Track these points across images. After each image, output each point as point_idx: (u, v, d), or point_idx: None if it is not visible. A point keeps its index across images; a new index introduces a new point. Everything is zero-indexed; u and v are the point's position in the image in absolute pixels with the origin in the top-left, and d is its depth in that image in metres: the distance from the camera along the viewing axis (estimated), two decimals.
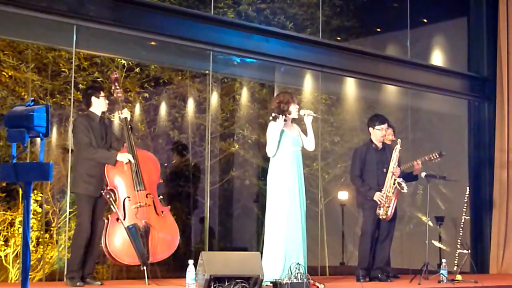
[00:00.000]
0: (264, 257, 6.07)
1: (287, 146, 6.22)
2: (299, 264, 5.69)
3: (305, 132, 6.41)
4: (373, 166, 6.87)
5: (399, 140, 6.82)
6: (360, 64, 9.06)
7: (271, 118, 6.18)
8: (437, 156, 7.07)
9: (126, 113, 6.12)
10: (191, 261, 5.44)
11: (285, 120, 6.18)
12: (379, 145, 6.94)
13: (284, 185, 6.16)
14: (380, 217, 6.75)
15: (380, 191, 6.76)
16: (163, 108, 9.12)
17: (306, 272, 6.02)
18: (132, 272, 7.22)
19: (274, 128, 6.18)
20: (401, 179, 6.76)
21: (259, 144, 9.21)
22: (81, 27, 6.92)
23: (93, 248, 5.94)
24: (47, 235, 7.81)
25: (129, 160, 5.97)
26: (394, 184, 6.74)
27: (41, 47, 7.72)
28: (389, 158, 6.83)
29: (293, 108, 6.29)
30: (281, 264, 6.01)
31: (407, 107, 9.89)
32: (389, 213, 6.75)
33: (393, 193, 6.75)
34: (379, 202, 6.73)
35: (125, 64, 8.18)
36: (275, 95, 9.27)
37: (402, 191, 6.75)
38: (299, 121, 6.48)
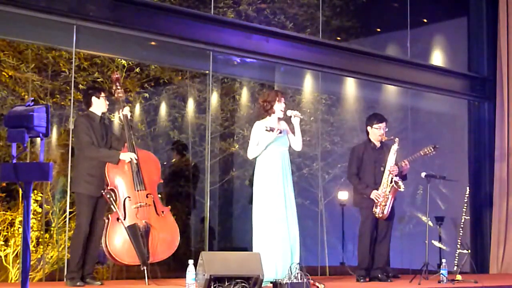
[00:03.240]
0: None
1: (273, 146, 6.19)
2: (299, 264, 5.69)
3: (293, 131, 6.38)
4: (370, 164, 6.87)
5: (396, 139, 6.81)
6: (360, 64, 9.06)
7: (266, 128, 6.14)
8: (432, 149, 7.03)
9: (126, 111, 6.13)
10: (191, 261, 5.44)
11: (279, 133, 6.17)
12: (377, 144, 6.94)
13: (270, 185, 6.13)
14: (377, 215, 6.75)
15: (377, 189, 6.76)
16: (163, 108, 9.12)
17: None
18: (132, 272, 7.22)
19: (263, 136, 6.14)
20: (398, 178, 6.77)
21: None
22: (81, 27, 6.93)
23: (93, 248, 5.94)
24: (47, 235, 7.80)
25: (131, 159, 5.97)
26: (391, 182, 6.74)
27: (41, 47, 7.72)
28: (386, 157, 6.83)
29: (278, 107, 6.23)
30: (273, 264, 5.98)
31: (407, 107, 9.89)
32: (385, 212, 6.74)
33: (389, 192, 6.74)
34: (376, 201, 6.73)
35: (125, 64, 8.18)
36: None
37: (399, 190, 6.75)
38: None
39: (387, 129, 6.96)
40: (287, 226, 6.13)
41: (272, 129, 6.13)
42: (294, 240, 6.15)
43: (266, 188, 6.14)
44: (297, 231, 6.21)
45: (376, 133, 6.90)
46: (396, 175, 6.77)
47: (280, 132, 6.20)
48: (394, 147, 6.80)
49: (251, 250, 6.13)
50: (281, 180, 6.16)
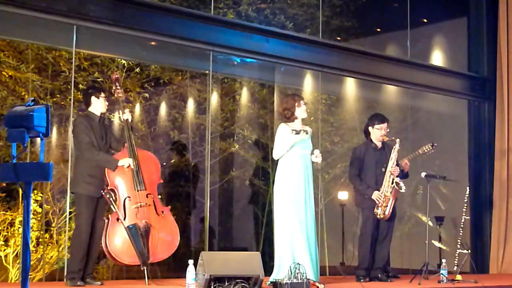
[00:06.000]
0: (276, 259, 6.10)
1: (296, 149, 6.18)
2: (299, 264, 5.69)
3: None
4: (371, 165, 6.86)
5: (397, 140, 6.81)
6: (360, 64, 9.06)
7: (292, 132, 6.14)
8: (430, 148, 7.03)
9: (127, 115, 6.12)
10: (191, 261, 5.44)
11: (306, 133, 6.18)
12: (379, 144, 6.93)
13: (291, 188, 6.12)
14: (378, 216, 6.75)
15: (379, 190, 6.76)
16: (163, 108, 9.12)
17: (318, 275, 6.08)
18: (132, 272, 7.22)
19: (289, 136, 6.14)
20: (399, 178, 6.76)
21: (259, 144, 9.21)
22: (81, 27, 6.92)
23: (93, 248, 5.94)
24: (47, 235, 7.81)
25: (130, 165, 5.96)
26: (392, 183, 6.74)
27: (41, 47, 7.72)
28: (388, 158, 6.83)
29: (299, 111, 6.25)
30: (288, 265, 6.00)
31: (407, 107, 9.89)
32: (386, 213, 6.74)
33: (391, 193, 6.74)
34: (377, 202, 6.73)
35: (125, 64, 8.19)
36: (275, 95, 9.31)
37: (400, 190, 6.75)
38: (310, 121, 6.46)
39: (388, 130, 6.95)
40: (306, 227, 6.12)
41: (298, 132, 6.13)
42: (310, 242, 6.13)
43: (288, 189, 6.13)
44: (313, 232, 6.18)
45: (378, 133, 6.88)
46: (397, 176, 6.77)
47: (307, 133, 6.20)
48: (395, 147, 6.79)
49: (251, 250, 6.14)
50: (302, 182, 6.15)
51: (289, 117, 6.25)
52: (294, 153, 6.18)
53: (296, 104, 6.25)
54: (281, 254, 6.07)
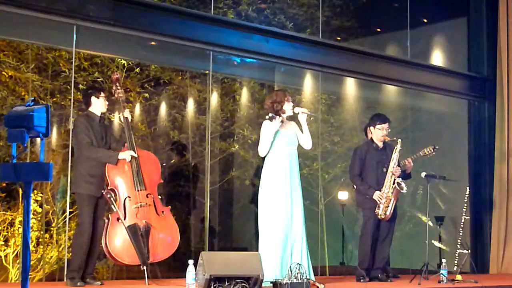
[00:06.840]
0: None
1: (281, 145, 6.18)
2: (299, 264, 5.68)
3: (301, 129, 6.38)
4: (373, 165, 6.86)
5: (399, 140, 6.80)
6: (360, 64, 9.06)
7: (267, 117, 6.16)
8: (432, 150, 7.04)
9: (127, 113, 6.14)
10: (191, 261, 5.44)
11: (281, 122, 6.17)
12: (380, 144, 6.92)
13: (276, 184, 6.11)
14: (379, 216, 6.75)
15: (380, 190, 6.76)
16: (163, 108, 9.12)
17: (311, 273, 6.05)
18: (132, 272, 7.22)
19: (268, 128, 6.15)
20: (400, 179, 6.76)
21: (258, 144, 9.19)
22: (81, 27, 6.93)
23: (94, 248, 5.94)
24: (47, 235, 7.81)
25: (132, 157, 5.96)
26: (393, 184, 6.74)
27: (41, 47, 7.73)
28: (389, 158, 6.82)
29: (287, 106, 6.24)
30: (277, 265, 5.98)
31: (407, 107, 9.89)
32: (387, 213, 6.74)
33: (392, 193, 6.74)
34: (378, 202, 6.73)
35: (125, 64, 8.19)
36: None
37: (402, 191, 6.74)
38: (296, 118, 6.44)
39: (389, 130, 6.95)
40: (290, 225, 6.12)
41: (273, 117, 6.12)
42: (295, 240, 6.11)
43: (271, 186, 6.13)
44: (300, 231, 6.14)
45: (379, 133, 6.87)
46: (398, 176, 6.76)
47: (282, 121, 6.17)
48: (397, 148, 6.79)
49: (251, 250, 6.13)
50: (288, 179, 6.14)
51: (277, 110, 6.22)
52: (280, 150, 6.17)
53: (286, 98, 6.25)
54: (270, 254, 6.01)
